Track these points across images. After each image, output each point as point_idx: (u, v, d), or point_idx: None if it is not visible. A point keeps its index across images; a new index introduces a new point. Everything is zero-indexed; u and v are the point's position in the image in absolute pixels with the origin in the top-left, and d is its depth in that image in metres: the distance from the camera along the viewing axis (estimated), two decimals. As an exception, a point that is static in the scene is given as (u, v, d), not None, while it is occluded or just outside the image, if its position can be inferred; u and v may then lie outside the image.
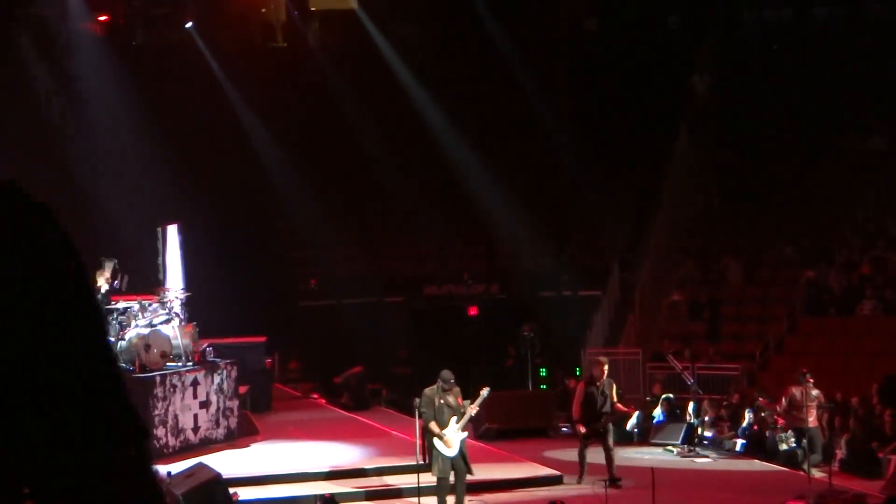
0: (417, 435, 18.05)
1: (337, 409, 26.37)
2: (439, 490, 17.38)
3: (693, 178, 32.23)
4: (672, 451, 22.69)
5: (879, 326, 26.30)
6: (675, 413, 24.06)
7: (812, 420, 21.34)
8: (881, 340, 25.74)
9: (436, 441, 17.24)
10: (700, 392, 24.76)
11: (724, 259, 30.03)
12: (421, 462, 17.93)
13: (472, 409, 17.66)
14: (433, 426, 17.23)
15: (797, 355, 25.62)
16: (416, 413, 17.69)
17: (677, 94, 32.95)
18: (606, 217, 32.21)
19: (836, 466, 19.90)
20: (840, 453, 20.89)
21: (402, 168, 31.64)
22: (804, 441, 20.94)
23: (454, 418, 17.34)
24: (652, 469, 16.78)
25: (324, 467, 19.72)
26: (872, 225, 29.48)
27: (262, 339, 26.11)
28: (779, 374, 24.64)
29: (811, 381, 21.24)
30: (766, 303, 28.91)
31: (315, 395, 28.42)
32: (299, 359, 30.50)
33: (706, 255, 30.64)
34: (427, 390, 17.54)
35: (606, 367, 20.44)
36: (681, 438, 22.82)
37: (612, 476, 19.22)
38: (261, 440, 22.09)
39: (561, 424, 24.73)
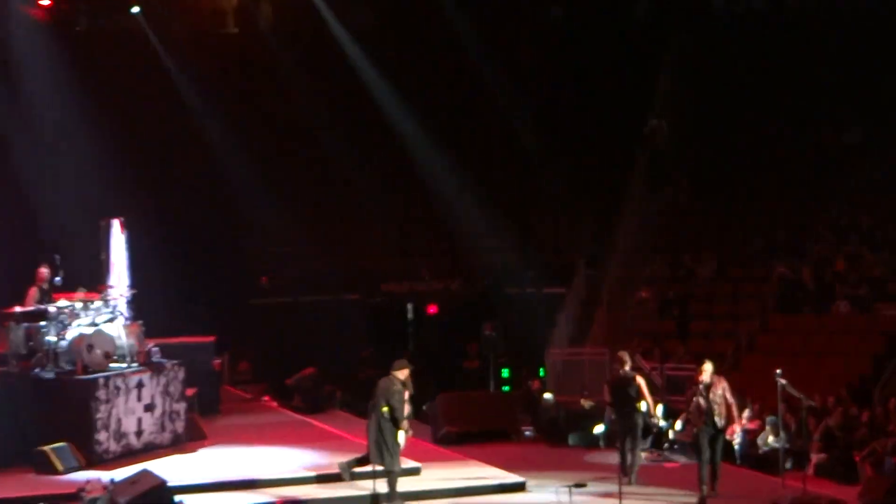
0: (374, 430, 17.45)
1: (289, 412, 26.08)
2: (395, 482, 17.30)
3: (662, 172, 31.97)
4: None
5: (854, 325, 26.03)
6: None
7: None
8: (856, 339, 25.46)
9: (400, 435, 17.16)
10: (666, 394, 24.38)
11: (700, 254, 29.82)
12: (378, 468, 17.41)
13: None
14: (405, 423, 17.23)
15: (769, 354, 25.27)
16: (389, 410, 17.21)
17: (646, 85, 32.70)
18: (572, 211, 32.05)
19: (811, 471, 19.40)
20: (815, 457, 20.25)
21: (359, 158, 31.34)
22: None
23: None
24: (619, 473, 16.91)
25: (275, 473, 19.17)
26: (845, 219, 29.45)
27: (211, 338, 25.81)
28: (750, 375, 24.19)
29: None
30: (738, 299, 28.61)
31: (266, 398, 28.07)
32: (250, 360, 30.15)
33: (675, 251, 30.38)
34: (395, 386, 17.24)
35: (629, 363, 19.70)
36: (649, 442, 22.51)
37: (632, 481, 18.79)
38: (209, 445, 21.66)
39: (524, 428, 24.29)
